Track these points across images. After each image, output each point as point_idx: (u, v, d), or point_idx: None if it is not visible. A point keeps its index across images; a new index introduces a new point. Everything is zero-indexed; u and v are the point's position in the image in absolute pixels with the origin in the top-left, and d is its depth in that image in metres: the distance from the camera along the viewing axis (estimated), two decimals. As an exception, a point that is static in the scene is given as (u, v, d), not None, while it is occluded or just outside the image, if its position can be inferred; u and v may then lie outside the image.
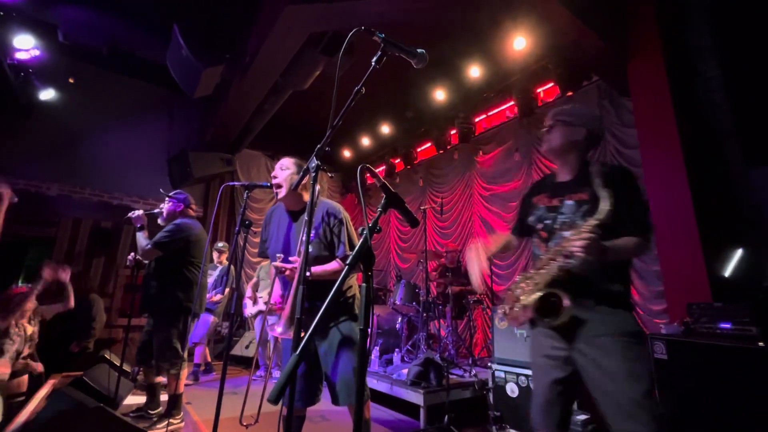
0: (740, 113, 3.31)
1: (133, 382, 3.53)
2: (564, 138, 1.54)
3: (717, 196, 3.25)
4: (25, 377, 3.05)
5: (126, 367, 3.16)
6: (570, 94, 4.50)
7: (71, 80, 5.28)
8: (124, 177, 5.75)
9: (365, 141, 6.66)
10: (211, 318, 4.67)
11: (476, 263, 1.60)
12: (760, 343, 1.99)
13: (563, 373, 1.42)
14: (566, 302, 1.31)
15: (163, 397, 3.00)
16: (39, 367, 3.26)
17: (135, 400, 3.31)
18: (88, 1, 4.60)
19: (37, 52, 4.32)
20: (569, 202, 1.48)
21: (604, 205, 1.30)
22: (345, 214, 2.06)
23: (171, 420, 2.77)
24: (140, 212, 2.89)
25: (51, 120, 5.14)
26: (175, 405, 2.82)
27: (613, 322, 1.35)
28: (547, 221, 1.53)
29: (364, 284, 0.90)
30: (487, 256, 1.64)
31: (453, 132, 5.77)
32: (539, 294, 1.38)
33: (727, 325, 2.24)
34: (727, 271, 3.01)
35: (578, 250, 1.26)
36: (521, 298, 1.47)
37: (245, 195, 2.16)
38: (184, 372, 2.89)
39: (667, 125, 3.32)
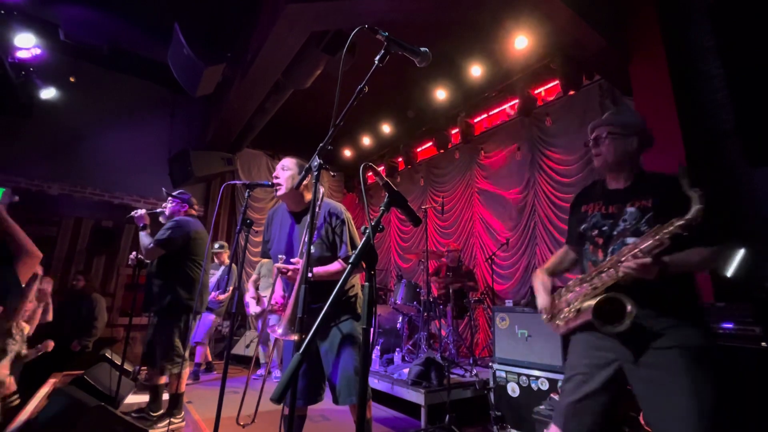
0: (742, 113, 3.30)
1: (134, 381, 3.54)
2: (618, 151, 1.52)
3: (719, 196, 3.24)
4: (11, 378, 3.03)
5: (127, 366, 3.17)
6: (572, 93, 4.50)
7: (72, 79, 5.28)
8: (125, 176, 5.75)
9: (366, 140, 6.66)
10: (213, 317, 4.67)
11: (540, 285, 1.61)
12: (763, 344, 1.98)
13: (606, 384, 1.34)
14: (630, 308, 1.24)
15: (165, 397, 3.00)
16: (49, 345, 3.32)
17: (136, 399, 3.32)
18: (90, 0, 4.60)
19: (38, 51, 4.31)
20: (631, 209, 1.45)
21: (697, 205, 1.24)
22: (347, 214, 2.06)
23: (172, 419, 2.77)
24: (143, 211, 2.90)
25: (52, 119, 5.14)
26: (176, 404, 2.82)
27: (677, 335, 1.26)
28: (605, 228, 1.50)
29: (366, 283, 0.89)
30: (548, 274, 1.66)
31: (454, 131, 5.76)
32: (601, 297, 1.32)
33: (730, 325, 2.23)
34: (729, 271, 3.00)
35: (634, 269, 1.23)
36: (575, 302, 1.43)
37: (246, 194, 2.16)
38: (186, 371, 2.89)
39: (669, 125, 3.32)
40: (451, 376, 3.16)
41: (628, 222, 1.43)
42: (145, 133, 5.99)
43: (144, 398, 3.10)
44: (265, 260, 5.02)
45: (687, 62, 3.56)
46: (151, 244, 2.75)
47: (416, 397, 3.09)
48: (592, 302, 1.33)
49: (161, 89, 6.11)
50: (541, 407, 2.56)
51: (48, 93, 4.73)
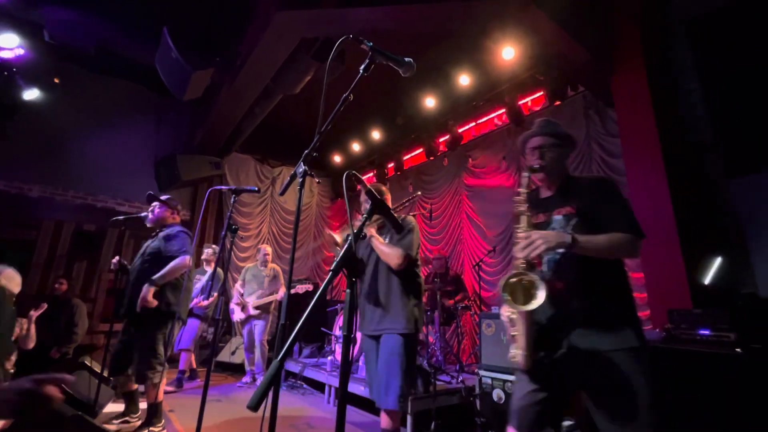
0: (719, 125, 3.42)
1: (113, 390, 3.44)
2: (558, 160, 1.58)
3: (697, 205, 3.35)
4: None
5: (107, 374, 3.09)
6: (557, 103, 4.60)
7: (56, 80, 5.20)
8: (109, 179, 5.65)
9: (355, 146, 6.68)
10: (198, 323, 4.59)
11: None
12: (738, 350, 2.04)
13: (547, 383, 1.40)
14: (540, 287, 1.24)
15: (142, 405, 2.93)
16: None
17: (115, 407, 3.23)
18: (76, 2, 4.55)
19: (21, 52, 4.24)
20: (557, 217, 1.49)
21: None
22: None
23: (152, 428, 2.69)
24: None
25: (35, 120, 5.04)
26: (155, 413, 2.73)
27: (616, 338, 1.32)
28: None
29: (348, 290, 0.90)
30: None
31: (443, 139, 5.83)
32: (509, 277, 1.32)
33: (707, 332, 2.29)
34: (707, 279, 3.08)
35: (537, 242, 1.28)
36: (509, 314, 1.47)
37: (232, 200, 2.15)
38: (164, 380, 2.80)
39: (650, 137, 3.42)
40: (438, 383, 3.16)
41: (556, 230, 1.46)
42: (131, 136, 5.91)
43: (122, 407, 3.03)
44: (250, 265, 4.99)
45: (666, 77, 3.69)
46: (184, 260, 2.74)
47: (402, 404, 3.08)
48: (503, 280, 1.33)
49: (148, 92, 6.04)
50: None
51: (31, 94, 4.64)
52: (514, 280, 1.31)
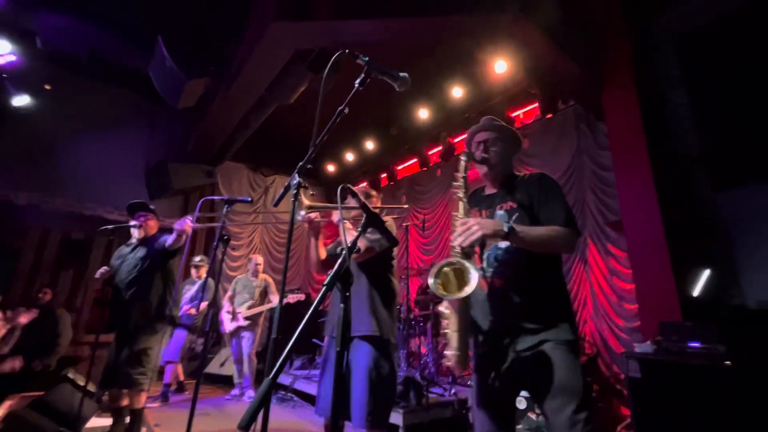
0: (707, 139, 3.50)
1: (97, 403, 3.35)
2: (503, 155, 1.61)
3: (686, 218, 3.40)
4: None
5: (91, 387, 3.00)
6: (549, 116, 4.67)
7: (47, 87, 5.15)
8: (98, 187, 5.57)
9: (349, 156, 6.70)
10: (185, 334, 4.50)
11: None
12: (727, 362, 2.06)
13: (502, 385, 1.40)
14: (467, 265, 1.22)
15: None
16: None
17: (99, 422, 3.14)
18: (69, 9, 4.53)
19: (12, 58, 4.21)
20: (500, 212, 1.51)
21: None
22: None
23: None
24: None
25: (23, 126, 4.97)
26: (141, 421, 2.69)
27: (548, 333, 1.35)
28: None
29: (342, 305, 0.89)
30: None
31: (436, 150, 5.87)
32: (438, 265, 1.29)
33: (697, 344, 2.31)
34: (696, 291, 3.12)
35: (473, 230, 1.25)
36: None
37: (225, 210, 2.12)
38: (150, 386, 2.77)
39: (639, 150, 3.48)
40: (430, 395, 3.13)
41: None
42: (123, 144, 5.85)
43: (108, 421, 2.94)
44: (241, 276, 4.93)
45: (655, 91, 3.77)
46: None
47: (394, 417, 3.03)
48: (434, 269, 1.28)
49: (141, 100, 6.01)
50: (519, 426, 2.56)
51: (21, 100, 4.59)
52: (447, 269, 1.28)
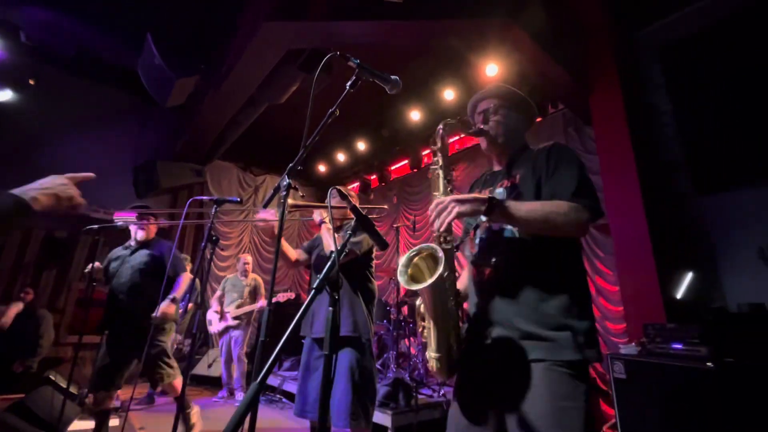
0: (690, 145, 3.59)
1: (80, 406, 3.28)
2: (509, 127, 1.33)
3: (670, 222, 3.47)
4: None
5: (73, 389, 2.93)
6: (538, 120, 4.73)
7: (32, 82, 5.03)
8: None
9: (341, 157, 6.69)
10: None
11: None
12: (709, 364, 2.10)
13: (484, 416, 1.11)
14: (433, 248, 1.05)
15: (114, 423, 2.80)
16: None
17: (81, 425, 3.07)
18: (55, 3, 4.44)
19: (-5, 52, 4.10)
20: (499, 190, 1.24)
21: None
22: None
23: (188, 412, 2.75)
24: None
25: (6, 122, 4.84)
26: (184, 404, 2.77)
27: (540, 345, 1.02)
28: (470, 220, 1.31)
29: (330, 308, 0.89)
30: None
31: (427, 151, 5.90)
32: (407, 255, 1.10)
33: (679, 346, 2.36)
34: (680, 293, 3.19)
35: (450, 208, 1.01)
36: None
37: (213, 210, 2.10)
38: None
39: (625, 155, 3.54)
40: (420, 396, 3.14)
41: None
42: (110, 142, 5.75)
43: (90, 424, 2.88)
44: (230, 276, 4.88)
45: (641, 97, 3.85)
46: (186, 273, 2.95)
47: (383, 418, 3.04)
48: (415, 285, 1.05)
49: (129, 97, 5.91)
50: None
51: (3, 95, 4.48)
52: (416, 259, 1.10)
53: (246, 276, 4.75)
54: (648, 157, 3.60)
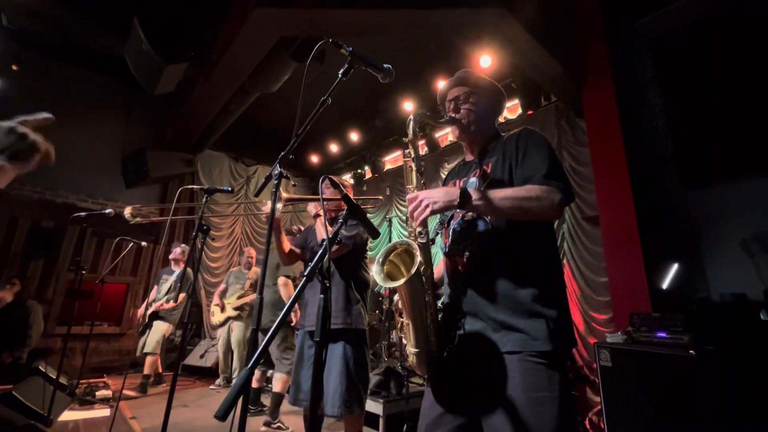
0: (679, 139, 3.63)
1: (70, 397, 3.27)
2: (479, 114, 1.30)
3: (658, 214, 3.53)
4: None
5: (63, 380, 2.92)
6: (530, 112, 4.74)
7: (15, 67, 4.89)
8: (71, 174, 5.34)
9: (333, 147, 6.64)
10: (164, 325, 4.43)
11: None
12: (691, 351, 2.17)
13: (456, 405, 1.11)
14: (408, 244, 1.05)
15: (105, 413, 2.79)
16: None
17: (71, 416, 3.06)
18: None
19: (-25, 35, 3.96)
20: (472, 179, 1.24)
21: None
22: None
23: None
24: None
25: (-11, 109, 4.71)
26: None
27: (514, 337, 1.02)
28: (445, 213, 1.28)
29: (321, 296, 0.89)
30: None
31: (420, 143, 5.89)
32: (383, 252, 1.10)
33: (663, 334, 2.42)
34: (665, 284, 3.26)
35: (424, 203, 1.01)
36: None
37: (204, 200, 2.09)
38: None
39: (616, 148, 3.58)
40: (410, 385, 3.18)
41: None
42: (97, 130, 5.63)
43: (80, 415, 2.88)
44: (234, 269, 4.91)
45: (632, 91, 3.88)
46: None
47: (374, 407, 3.08)
48: (392, 283, 1.05)
49: (116, 84, 5.78)
50: None
51: (-16, 80, 4.35)
52: (392, 255, 1.10)
53: (249, 269, 4.78)
54: (638, 151, 3.64)
